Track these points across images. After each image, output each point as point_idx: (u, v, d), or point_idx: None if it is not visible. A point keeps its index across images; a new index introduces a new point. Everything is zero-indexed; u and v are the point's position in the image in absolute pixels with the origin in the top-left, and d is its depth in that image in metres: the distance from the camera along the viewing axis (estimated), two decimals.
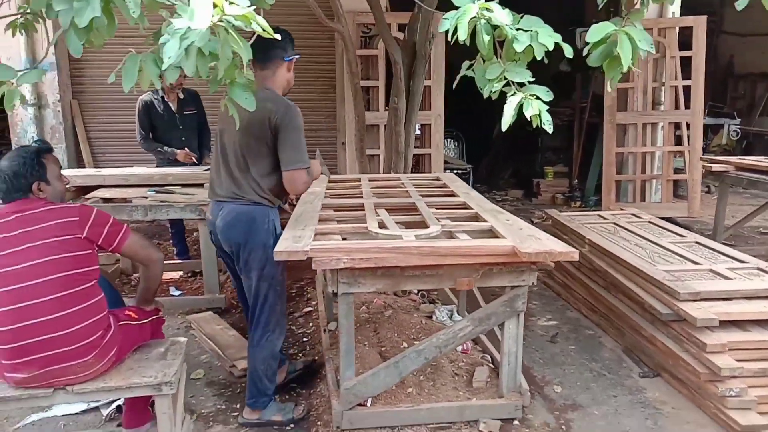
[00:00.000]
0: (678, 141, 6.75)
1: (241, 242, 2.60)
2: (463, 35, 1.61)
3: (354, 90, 5.29)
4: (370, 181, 4.03)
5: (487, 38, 1.57)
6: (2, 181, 2.17)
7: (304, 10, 6.69)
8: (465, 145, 7.90)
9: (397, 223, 2.88)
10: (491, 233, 2.71)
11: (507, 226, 2.72)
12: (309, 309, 4.19)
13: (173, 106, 4.72)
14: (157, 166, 4.86)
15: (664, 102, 6.71)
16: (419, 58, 5.11)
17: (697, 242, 3.99)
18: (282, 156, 2.58)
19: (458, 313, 3.71)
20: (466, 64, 1.92)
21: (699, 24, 6.43)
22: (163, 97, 4.68)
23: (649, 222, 4.62)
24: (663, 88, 6.67)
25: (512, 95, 1.74)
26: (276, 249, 2.31)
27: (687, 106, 6.63)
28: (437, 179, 4.17)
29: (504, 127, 1.80)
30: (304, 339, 3.79)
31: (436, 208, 3.14)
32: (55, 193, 2.31)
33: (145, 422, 2.55)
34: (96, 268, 2.22)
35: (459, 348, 3.30)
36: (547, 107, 1.81)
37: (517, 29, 1.66)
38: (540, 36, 1.67)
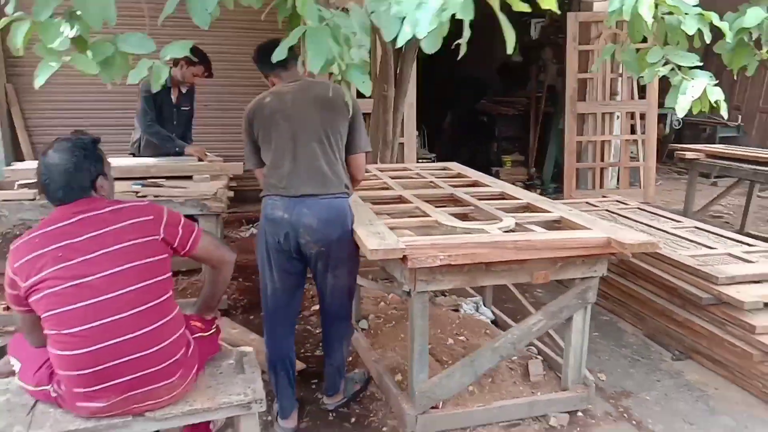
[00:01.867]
0: (632, 130, 7.04)
1: (334, 238, 2.38)
2: (627, 15, 1.50)
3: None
4: (382, 171, 3.85)
5: (650, 20, 1.48)
6: (59, 178, 1.83)
7: None
8: (426, 134, 7.83)
9: (452, 215, 2.75)
10: (563, 224, 2.64)
11: (577, 216, 2.66)
12: (317, 307, 3.97)
13: (173, 99, 4.31)
14: (131, 154, 4.41)
15: (620, 92, 6.96)
16: (408, 44, 4.97)
17: (696, 227, 4.14)
18: (357, 138, 2.51)
19: (485, 305, 3.64)
20: (610, 47, 1.82)
21: None
22: (169, 88, 4.25)
23: (638, 208, 4.76)
24: (620, 79, 6.90)
25: (679, 80, 1.66)
26: (371, 248, 2.12)
27: (641, 97, 6.92)
28: (447, 168, 4.07)
29: (681, 114, 1.72)
30: None
31: (480, 199, 3.04)
32: (110, 190, 2.00)
33: None
34: (171, 276, 1.93)
35: None
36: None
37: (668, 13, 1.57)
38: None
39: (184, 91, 4.40)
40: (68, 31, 1.18)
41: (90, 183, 1.88)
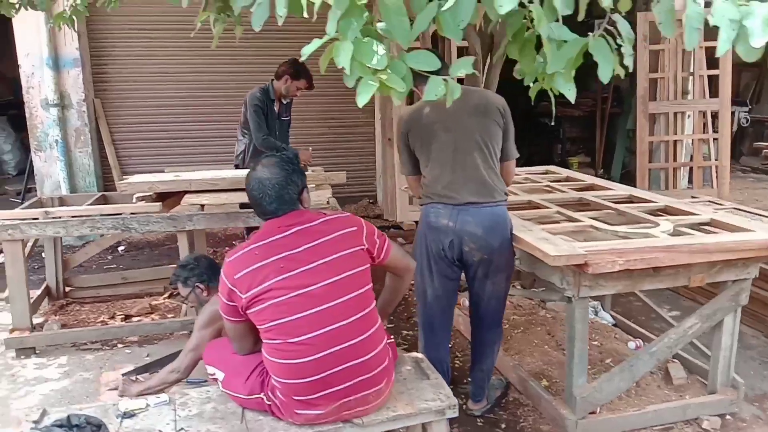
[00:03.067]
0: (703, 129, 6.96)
1: (496, 246, 2.42)
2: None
3: None
4: None
5: None
6: (272, 191, 1.89)
7: None
8: None
9: (591, 219, 2.77)
10: (715, 225, 2.64)
11: (726, 217, 2.66)
12: None
13: (276, 110, 4.41)
14: (236, 166, 4.51)
15: (691, 91, 6.89)
16: (496, 48, 4.99)
17: None
18: (510, 145, 2.57)
19: (603, 309, 3.64)
20: None
21: None
22: (273, 100, 4.35)
23: (734, 208, 4.70)
24: (691, 77, 6.83)
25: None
26: (553, 254, 2.15)
27: (713, 95, 6.84)
28: (551, 171, 4.08)
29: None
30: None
31: (612, 202, 3.05)
32: (310, 202, 2.06)
33: None
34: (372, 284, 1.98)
35: (632, 345, 3.23)
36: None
37: None
38: None
39: (285, 102, 4.49)
40: (381, 50, 1.23)
41: (297, 196, 1.94)
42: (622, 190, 3.34)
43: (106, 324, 3.93)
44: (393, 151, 6.24)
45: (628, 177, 7.14)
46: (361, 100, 1.22)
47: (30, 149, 9.38)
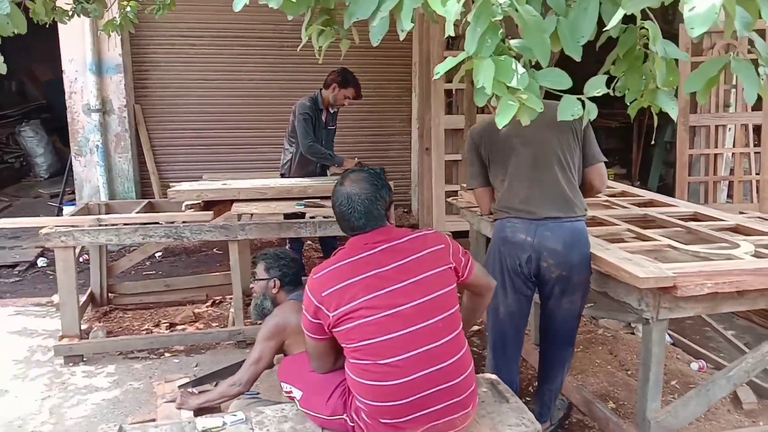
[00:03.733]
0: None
1: (576, 263, 2.36)
2: None
3: (470, 94, 5.04)
4: None
5: None
6: (361, 207, 1.85)
7: None
8: None
9: (664, 237, 2.69)
10: None
11: None
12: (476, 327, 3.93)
13: (323, 119, 4.39)
14: (282, 175, 4.48)
15: (733, 104, 6.78)
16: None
17: None
18: (593, 149, 2.52)
19: None
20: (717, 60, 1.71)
21: None
22: (321, 109, 4.33)
23: None
24: (733, 90, 6.72)
25: None
26: (642, 276, 2.08)
27: (755, 109, 6.72)
28: None
29: None
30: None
31: (679, 219, 2.97)
32: (394, 218, 2.01)
33: None
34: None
35: (695, 366, 3.15)
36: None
37: None
38: None
39: (332, 111, 4.46)
40: (520, 69, 1.18)
41: (385, 211, 1.89)
42: (684, 206, 3.26)
43: (152, 332, 3.91)
44: (430, 160, 6.19)
45: (665, 189, 7.02)
46: (502, 121, 1.17)
47: (61, 153, 9.60)
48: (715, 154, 6.83)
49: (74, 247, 3.47)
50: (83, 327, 3.98)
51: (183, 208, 3.87)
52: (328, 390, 1.91)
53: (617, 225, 2.85)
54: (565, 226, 2.36)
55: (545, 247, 2.34)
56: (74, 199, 7.46)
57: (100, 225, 3.43)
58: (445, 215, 6.11)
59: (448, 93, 6.20)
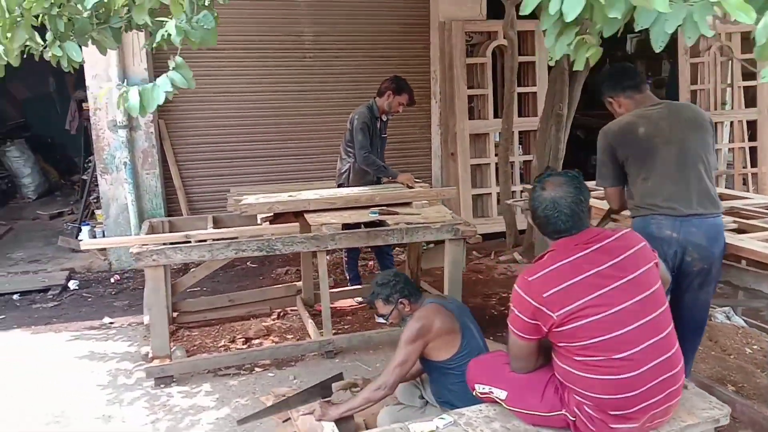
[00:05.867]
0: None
1: (717, 256, 2.50)
2: None
3: (509, 98, 5.17)
4: None
5: None
6: (567, 210, 1.92)
7: (398, 19, 6.55)
8: None
9: None
10: None
11: None
12: None
13: (378, 127, 4.41)
14: (340, 185, 4.49)
15: (729, 102, 7.17)
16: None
17: None
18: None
19: (736, 314, 3.75)
20: None
21: None
22: (377, 117, 4.35)
23: None
24: (729, 89, 7.11)
25: None
26: None
27: (747, 106, 7.14)
28: None
29: None
30: None
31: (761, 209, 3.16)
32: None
33: None
34: None
35: None
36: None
37: None
38: None
39: (384, 120, 4.50)
40: None
41: (587, 213, 1.97)
42: (760, 198, 3.46)
43: (229, 348, 3.85)
44: (456, 165, 6.30)
45: None
46: None
47: (47, 173, 9.24)
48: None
49: (165, 266, 3.39)
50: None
51: (258, 221, 3.85)
52: (539, 387, 1.97)
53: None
54: (708, 222, 2.49)
55: (690, 242, 2.47)
56: (75, 220, 7.23)
57: (192, 242, 3.37)
58: (472, 218, 6.22)
59: (470, 99, 6.33)
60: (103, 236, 5.69)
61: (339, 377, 2.94)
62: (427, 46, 6.40)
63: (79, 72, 9.70)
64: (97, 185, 6.24)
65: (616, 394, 1.82)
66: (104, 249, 5.74)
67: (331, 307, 4.47)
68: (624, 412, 1.84)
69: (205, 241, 3.42)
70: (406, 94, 4.40)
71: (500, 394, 2.04)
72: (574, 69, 1.78)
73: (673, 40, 7.22)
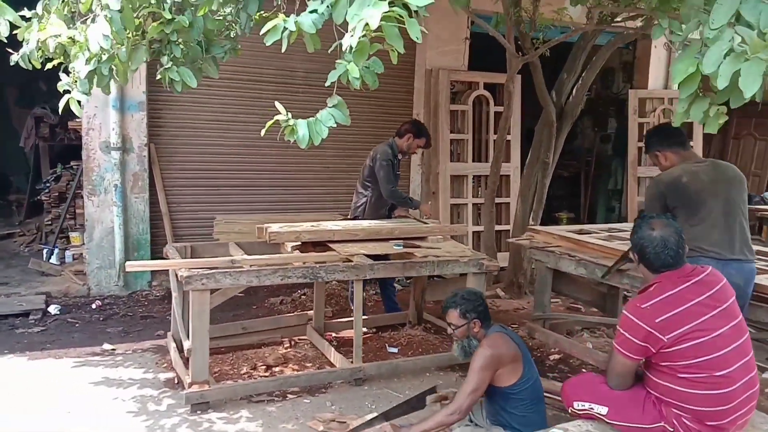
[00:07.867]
0: None
1: (748, 296, 2.90)
2: None
3: (500, 144, 5.55)
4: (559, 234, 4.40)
5: None
6: (674, 247, 2.24)
7: (385, 63, 6.79)
8: None
9: None
10: None
11: None
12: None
13: (395, 164, 4.65)
14: (354, 217, 4.65)
15: None
16: (566, 118, 5.61)
17: None
18: None
19: None
20: None
21: None
22: (396, 155, 4.58)
23: None
24: None
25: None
26: None
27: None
28: None
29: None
30: None
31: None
32: None
33: None
34: None
35: None
36: None
37: None
38: None
39: (400, 158, 4.75)
40: None
41: (685, 250, 2.29)
42: None
43: (252, 376, 3.87)
44: (437, 203, 6.61)
45: None
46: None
47: None
48: None
49: (210, 291, 3.40)
50: (172, 375, 3.86)
51: (290, 249, 3.93)
52: (639, 402, 2.24)
53: None
54: (746, 267, 2.93)
55: (731, 283, 2.86)
56: (32, 241, 6.86)
57: (241, 267, 3.42)
58: None
59: (450, 142, 6.70)
60: (80, 259, 5.48)
61: (432, 390, 3.10)
62: (410, 91, 6.73)
63: (26, 87, 9.60)
64: (74, 207, 6.03)
65: (715, 406, 2.12)
66: (84, 273, 5.54)
67: (338, 337, 4.63)
68: (719, 423, 2.14)
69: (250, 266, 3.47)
70: (425, 137, 4.70)
71: (601, 409, 2.29)
72: (705, 131, 2.10)
73: (622, 100, 8.01)
